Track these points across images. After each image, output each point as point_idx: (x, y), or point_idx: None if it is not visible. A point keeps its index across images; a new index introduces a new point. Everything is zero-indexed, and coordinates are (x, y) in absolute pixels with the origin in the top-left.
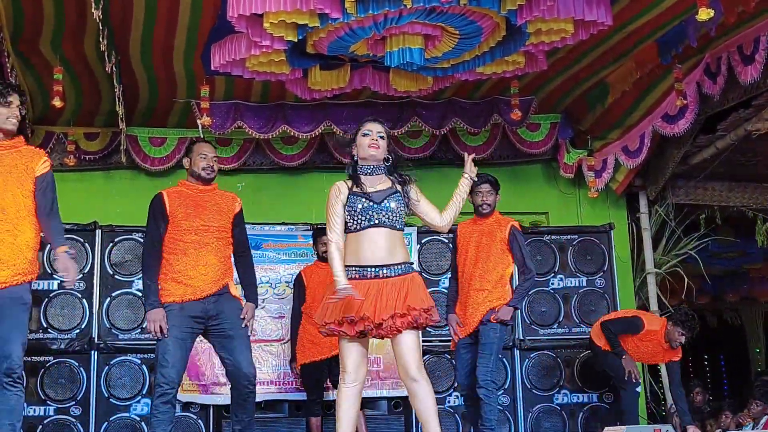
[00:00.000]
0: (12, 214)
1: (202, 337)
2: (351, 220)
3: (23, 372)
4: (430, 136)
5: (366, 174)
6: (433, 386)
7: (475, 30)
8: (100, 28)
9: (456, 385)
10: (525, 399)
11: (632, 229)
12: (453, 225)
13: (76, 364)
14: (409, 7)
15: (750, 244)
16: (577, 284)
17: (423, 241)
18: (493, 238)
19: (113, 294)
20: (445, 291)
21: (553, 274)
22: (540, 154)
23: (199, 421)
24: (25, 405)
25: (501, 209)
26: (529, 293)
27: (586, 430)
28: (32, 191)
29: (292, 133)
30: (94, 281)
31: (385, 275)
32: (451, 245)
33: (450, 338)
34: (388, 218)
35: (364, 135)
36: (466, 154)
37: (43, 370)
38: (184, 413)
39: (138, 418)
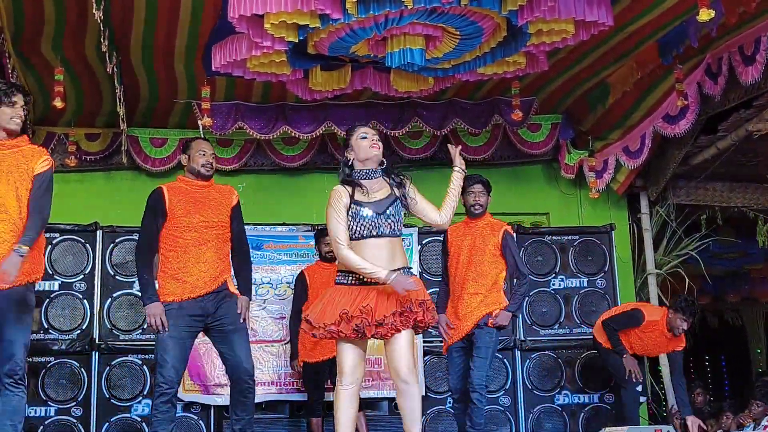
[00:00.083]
0: (14, 214)
1: (205, 337)
2: (353, 228)
3: (25, 373)
4: (431, 137)
5: (365, 178)
6: (434, 387)
7: (475, 30)
8: (101, 28)
9: None
10: (526, 399)
11: (633, 229)
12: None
13: (77, 364)
14: (410, 7)
15: (751, 245)
16: (578, 285)
17: (424, 242)
18: (487, 242)
19: (114, 295)
20: None
21: (554, 275)
22: (541, 155)
23: (200, 421)
24: (26, 405)
25: (502, 210)
26: (530, 294)
27: (587, 431)
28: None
29: (293, 134)
30: (95, 282)
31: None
32: None
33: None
34: (390, 227)
35: (363, 138)
36: (451, 146)
37: (44, 370)
38: (185, 414)
39: (139, 419)
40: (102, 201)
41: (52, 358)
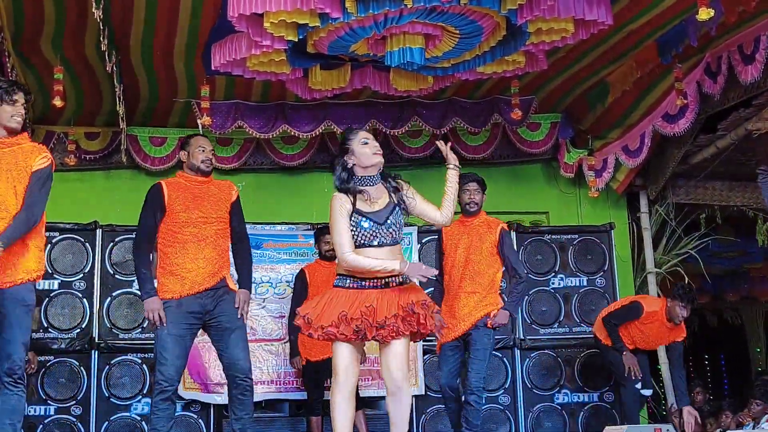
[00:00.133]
0: (14, 212)
1: (205, 336)
2: (354, 237)
3: (24, 372)
4: (431, 136)
5: (365, 185)
6: (433, 386)
7: (475, 29)
8: (101, 27)
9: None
10: (525, 398)
11: (633, 228)
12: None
13: (77, 363)
14: (409, 6)
15: (750, 244)
16: (577, 284)
17: (423, 241)
18: (483, 241)
19: (114, 294)
20: None
21: (553, 274)
22: (540, 154)
23: (200, 420)
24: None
25: (501, 209)
26: (529, 293)
27: (587, 430)
28: None
29: (292, 133)
30: (95, 281)
31: (383, 285)
32: None
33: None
34: (391, 236)
35: (364, 143)
36: (440, 143)
37: (43, 369)
38: (184, 413)
39: (138, 418)
40: (101, 200)
41: (52, 357)
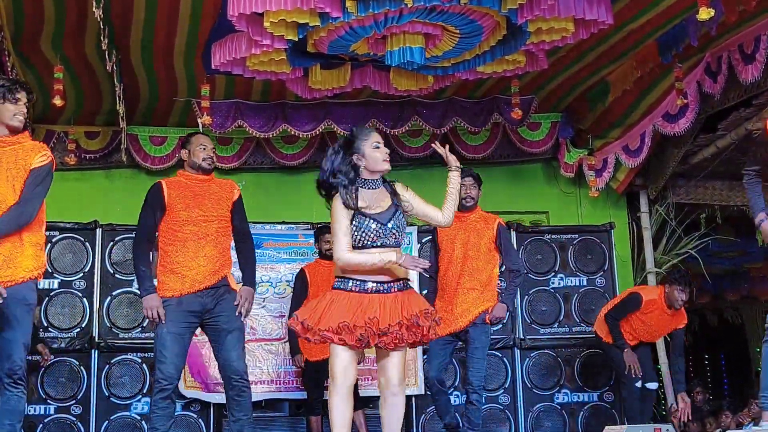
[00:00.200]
0: None
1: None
2: (356, 237)
3: (25, 373)
4: (431, 135)
5: (369, 188)
6: None
7: (475, 29)
8: (101, 27)
9: (457, 383)
10: (525, 398)
11: (633, 228)
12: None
13: (77, 362)
14: (409, 6)
15: (750, 244)
16: (577, 283)
17: (423, 241)
18: (481, 237)
19: (114, 293)
20: None
21: (553, 274)
22: (540, 153)
23: (200, 420)
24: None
25: (501, 208)
26: (529, 292)
27: (587, 430)
28: None
29: (292, 132)
30: (95, 280)
31: (385, 290)
32: None
33: None
34: (394, 238)
35: (376, 147)
36: (437, 146)
37: (43, 368)
38: (184, 412)
39: (138, 417)
40: (101, 199)
41: (52, 356)
